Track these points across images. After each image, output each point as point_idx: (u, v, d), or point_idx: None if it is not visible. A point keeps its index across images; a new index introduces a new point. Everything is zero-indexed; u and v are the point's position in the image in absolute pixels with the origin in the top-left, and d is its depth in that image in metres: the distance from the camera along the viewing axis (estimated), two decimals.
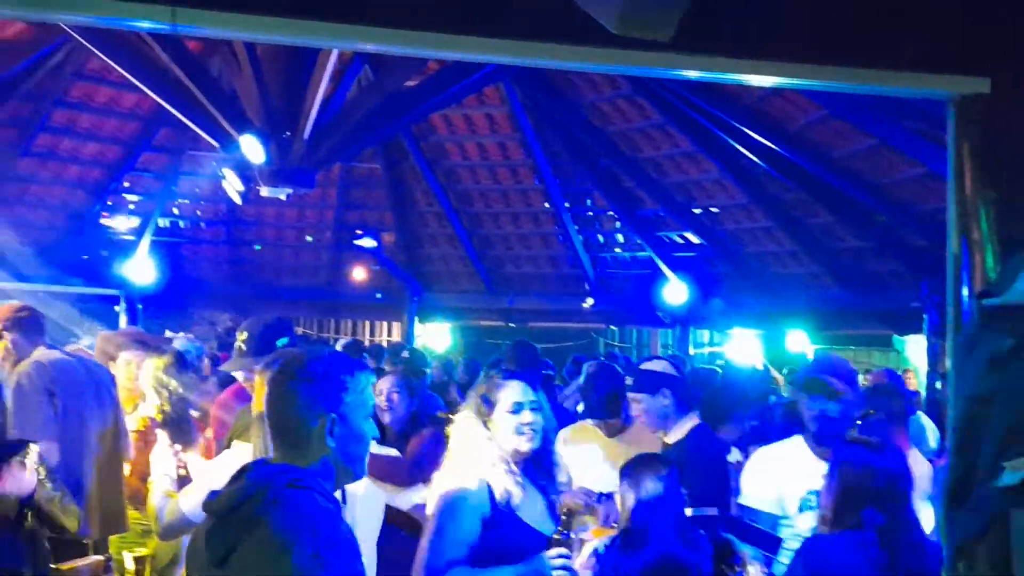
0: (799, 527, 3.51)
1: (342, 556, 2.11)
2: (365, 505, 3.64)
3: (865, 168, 9.57)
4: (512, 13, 2.16)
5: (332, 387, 2.24)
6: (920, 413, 6.67)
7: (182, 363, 5.60)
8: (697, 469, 3.81)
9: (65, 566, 4.58)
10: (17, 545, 3.78)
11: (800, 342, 13.95)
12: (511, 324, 14.80)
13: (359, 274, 14.16)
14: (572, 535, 2.97)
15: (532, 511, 3.10)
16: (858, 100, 7.97)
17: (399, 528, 4.06)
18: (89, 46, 8.56)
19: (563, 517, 2.99)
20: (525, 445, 3.13)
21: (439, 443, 4.67)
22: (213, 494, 2.21)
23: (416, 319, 13.91)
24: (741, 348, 14.21)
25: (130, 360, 5.54)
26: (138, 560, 4.62)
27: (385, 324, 18.39)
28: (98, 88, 11.34)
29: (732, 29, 2.12)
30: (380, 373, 6.04)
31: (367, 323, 18.83)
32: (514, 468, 3.12)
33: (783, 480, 3.63)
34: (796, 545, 3.30)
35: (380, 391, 4.74)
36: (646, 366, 4.38)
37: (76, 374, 4.87)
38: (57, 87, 10.90)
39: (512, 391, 3.19)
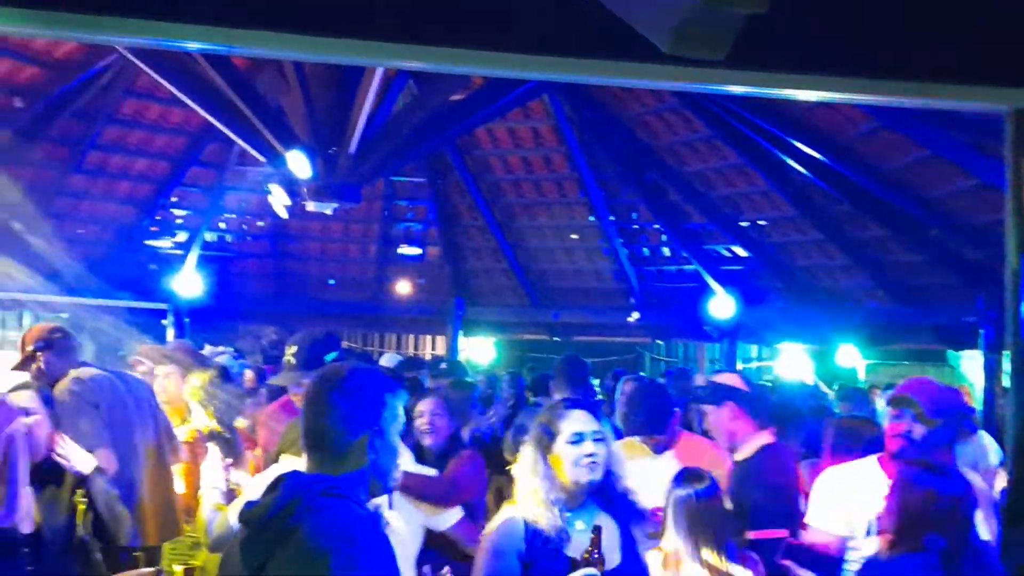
0: (867, 551, 3.43)
1: (379, 563, 2.12)
2: (403, 525, 3.65)
3: (917, 180, 9.44)
4: (565, 32, 2.18)
5: (374, 402, 2.29)
6: (981, 432, 6.56)
7: (226, 377, 5.68)
8: (763, 489, 3.76)
9: None
10: (67, 555, 3.86)
11: (851, 357, 13.76)
12: (555, 338, 14.79)
13: (403, 287, 14.26)
14: (597, 555, 2.91)
15: (583, 543, 3.03)
16: (909, 112, 7.88)
17: (437, 549, 4.06)
18: (140, 64, 8.74)
19: (592, 536, 2.95)
20: (586, 476, 3.05)
21: (477, 465, 4.68)
22: (249, 504, 2.23)
23: (460, 332, 13.94)
24: (790, 363, 14.05)
25: (169, 373, 5.60)
26: (188, 572, 4.66)
27: (429, 338, 18.48)
28: (147, 105, 11.56)
29: (783, 44, 2.11)
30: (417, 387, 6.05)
31: (411, 337, 18.93)
32: (552, 504, 3.03)
33: (853, 501, 3.55)
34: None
35: (421, 413, 4.72)
36: (716, 378, 4.38)
37: (116, 388, 4.92)
38: (108, 105, 11.13)
39: (574, 421, 3.11)
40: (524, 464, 3.15)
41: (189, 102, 9.19)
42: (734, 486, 3.87)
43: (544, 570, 2.97)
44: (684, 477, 3.42)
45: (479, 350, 15.31)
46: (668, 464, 4.39)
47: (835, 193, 10.26)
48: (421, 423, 4.67)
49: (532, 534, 3.00)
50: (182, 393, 5.49)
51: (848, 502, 3.56)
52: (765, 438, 4.07)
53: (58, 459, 3.87)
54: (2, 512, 3.30)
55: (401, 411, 2.36)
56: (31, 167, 10.81)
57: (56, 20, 2.42)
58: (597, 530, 2.92)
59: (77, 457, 3.91)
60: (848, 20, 2.41)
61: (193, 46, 2.40)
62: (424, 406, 4.74)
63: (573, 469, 3.05)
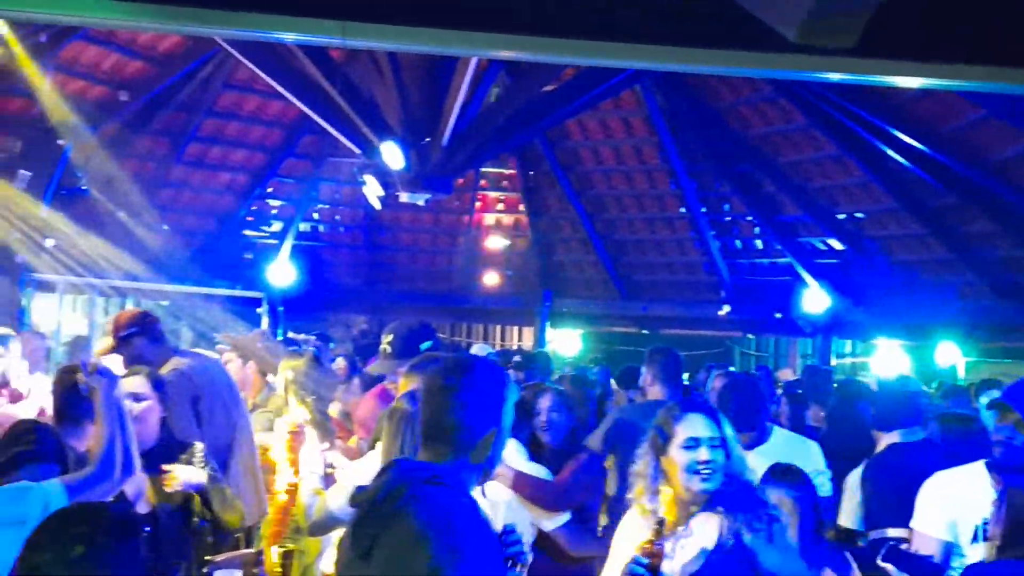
0: (971, 557, 3.33)
1: (479, 550, 2.14)
2: (513, 518, 3.66)
3: None
4: (688, 22, 2.16)
5: (498, 398, 2.31)
6: None
7: (318, 364, 5.79)
8: (883, 489, 3.70)
9: (220, 557, 4.79)
10: (185, 538, 3.97)
11: (950, 355, 13.35)
12: (644, 331, 14.69)
13: (492, 279, 14.33)
14: (658, 546, 2.87)
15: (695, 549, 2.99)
16: (1019, 100, 7.60)
17: (542, 551, 4.06)
18: (240, 57, 8.96)
19: (655, 526, 2.91)
20: (698, 485, 2.93)
21: (594, 469, 4.64)
22: (359, 489, 2.29)
23: (547, 324, 13.96)
24: (887, 360, 13.70)
25: (228, 360, 5.74)
26: (285, 555, 4.77)
27: (516, 329, 18.53)
28: (245, 97, 11.85)
29: (908, 32, 2.06)
30: None
31: (498, 328, 19.01)
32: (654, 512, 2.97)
33: (959, 506, 3.45)
34: None
35: (540, 410, 4.70)
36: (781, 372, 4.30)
37: (213, 376, 5.01)
38: (207, 97, 11.44)
39: (689, 425, 3.00)
40: (637, 466, 3.10)
41: (285, 93, 9.39)
42: (861, 484, 3.81)
43: None
44: (777, 474, 3.37)
45: (566, 342, 15.30)
46: (758, 460, 4.33)
47: (938, 185, 9.97)
48: (539, 420, 4.61)
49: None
50: (245, 379, 5.64)
51: (954, 508, 3.47)
52: (891, 438, 4.04)
53: (174, 487, 3.99)
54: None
55: (513, 407, 2.37)
56: (136, 159, 11.17)
57: (163, 13, 2.50)
58: (661, 522, 2.88)
59: (187, 475, 4.01)
60: (978, 7, 2.34)
61: (316, 40, 2.44)
62: (544, 402, 4.66)
63: (685, 476, 2.96)
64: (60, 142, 9.00)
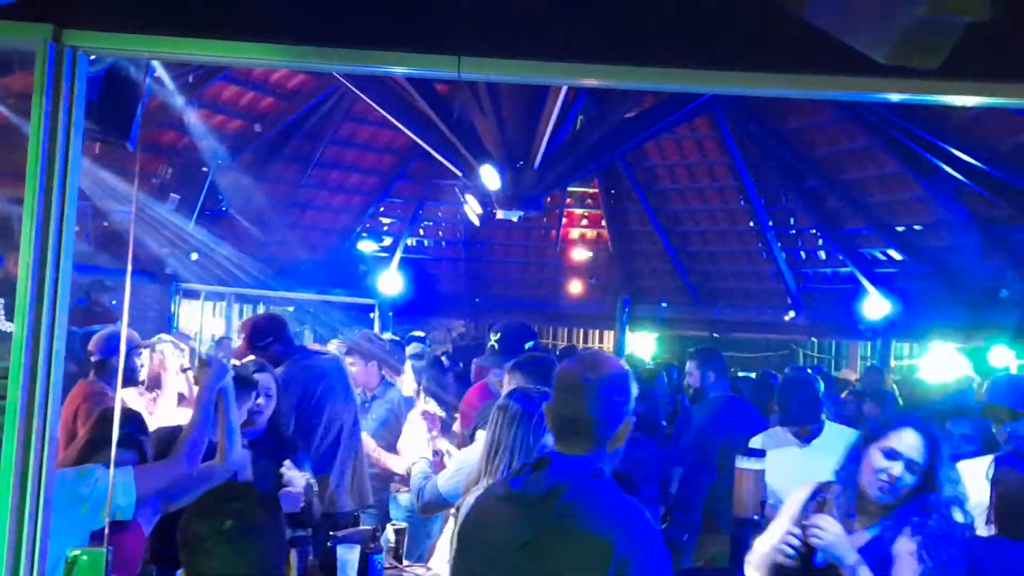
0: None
1: (656, 540, 2.08)
2: None
3: None
4: (773, 48, 2.11)
5: (627, 392, 2.24)
6: None
7: (437, 364, 5.83)
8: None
9: (341, 533, 4.84)
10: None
11: (1004, 356, 12.78)
12: (715, 335, 14.43)
13: (576, 287, 14.28)
14: (756, 518, 2.80)
15: None
16: None
17: None
18: (358, 92, 9.10)
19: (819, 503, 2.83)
20: (876, 492, 2.81)
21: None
22: (515, 481, 2.20)
23: (627, 328, 13.82)
24: (938, 361, 13.18)
25: (353, 362, 5.79)
26: (397, 532, 4.81)
27: (598, 332, 18.41)
28: (361, 127, 12.03)
29: (997, 52, 1.96)
30: None
31: (582, 331, 18.91)
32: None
33: (973, 492, 3.35)
34: None
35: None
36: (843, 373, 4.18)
37: (328, 374, 5.04)
38: (329, 128, 11.65)
39: (898, 437, 2.82)
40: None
41: (396, 123, 9.50)
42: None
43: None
44: None
45: (643, 344, 15.14)
46: (813, 454, 4.20)
47: (993, 198, 9.55)
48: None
49: None
50: (367, 376, 5.70)
51: (970, 493, 3.35)
52: None
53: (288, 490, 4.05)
54: (220, 468, 3.41)
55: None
56: (267, 182, 11.44)
57: (290, 52, 2.53)
58: (823, 502, 2.81)
59: (291, 476, 4.06)
60: None
61: (434, 74, 2.45)
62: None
63: (871, 478, 2.83)
64: (204, 169, 9.27)
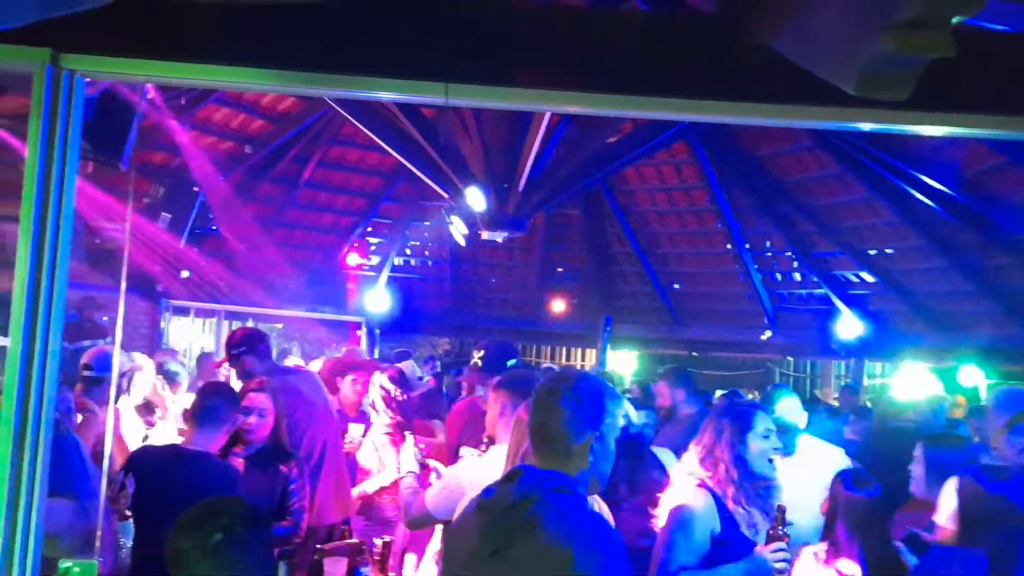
0: None
1: (618, 555, 2.06)
2: None
3: None
4: (752, 80, 2.14)
5: (597, 409, 2.22)
6: None
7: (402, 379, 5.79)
8: None
9: (328, 547, 4.81)
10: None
11: (973, 376, 12.88)
12: (694, 353, 14.50)
13: (558, 306, 14.30)
14: (783, 530, 2.79)
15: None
16: None
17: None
18: (347, 115, 9.11)
19: (776, 514, 2.82)
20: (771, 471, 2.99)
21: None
22: (487, 492, 2.21)
23: (608, 347, 13.84)
24: (907, 381, 13.27)
25: (354, 379, 5.77)
26: (384, 544, 4.79)
27: (580, 351, 18.43)
28: (349, 150, 12.06)
29: (963, 85, 2.00)
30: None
31: (564, 349, 18.93)
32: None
33: None
34: None
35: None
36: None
37: (298, 389, 4.95)
38: (317, 150, 11.66)
39: (764, 419, 3.07)
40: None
41: (384, 145, 9.52)
42: None
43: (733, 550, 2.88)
44: (853, 479, 3.28)
45: (623, 363, 15.17)
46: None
47: (961, 224, 9.67)
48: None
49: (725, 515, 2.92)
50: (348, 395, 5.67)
51: None
52: None
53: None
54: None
55: (620, 418, 2.29)
56: (257, 202, 11.42)
57: (289, 77, 2.55)
58: (782, 509, 2.81)
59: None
60: (987, 65, 2.25)
61: (422, 101, 2.47)
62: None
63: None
64: (195, 188, 9.25)
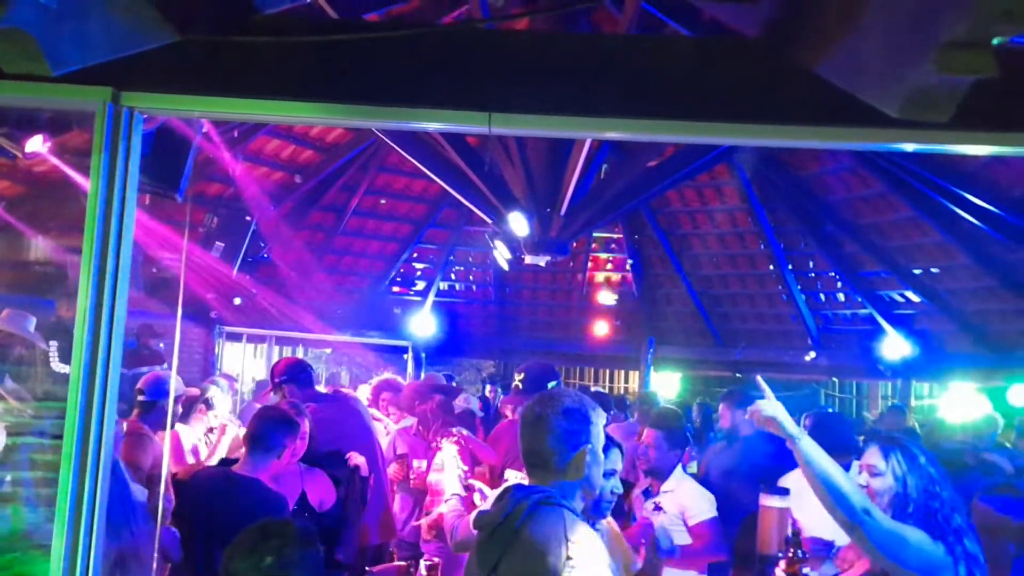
0: None
1: (592, 561, 2.10)
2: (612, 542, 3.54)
3: None
4: (797, 103, 2.12)
5: (585, 422, 2.30)
6: None
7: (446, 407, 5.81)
8: None
9: (377, 568, 4.81)
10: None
11: (1023, 397, 12.49)
12: (737, 375, 14.29)
13: (602, 328, 14.24)
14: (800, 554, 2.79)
15: None
16: None
17: None
18: (393, 145, 9.21)
19: (791, 538, 2.81)
20: None
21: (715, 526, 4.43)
22: (481, 513, 2.33)
23: (651, 369, 13.74)
24: (956, 402, 12.93)
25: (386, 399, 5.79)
26: (430, 568, 4.78)
27: (623, 373, 18.31)
28: (395, 178, 12.18)
29: (1007, 104, 1.96)
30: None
31: (607, 372, 18.83)
32: None
33: None
34: None
35: (644, 446, 4.54)
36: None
37: (338, 418, 5.06)
38: (364, 178, 11.80)
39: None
40: None
41: (429, 173, 9.60)
42: None
43: None
44: None
45: (666, 384, 15.02)
46: None
47: (1008, 242, 9.43)
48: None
49: None
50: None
51: None
52: None
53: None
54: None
55: (603, 429, 2.37)
56: (307, 230, 11.58)
57: (329, 110, 2.58)
58: (797, 532, 2.81)
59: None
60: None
61: (466, 129, 2.49)
62: (646, 439, 4.50)
63: None
64: (248, 218, 9.41)
